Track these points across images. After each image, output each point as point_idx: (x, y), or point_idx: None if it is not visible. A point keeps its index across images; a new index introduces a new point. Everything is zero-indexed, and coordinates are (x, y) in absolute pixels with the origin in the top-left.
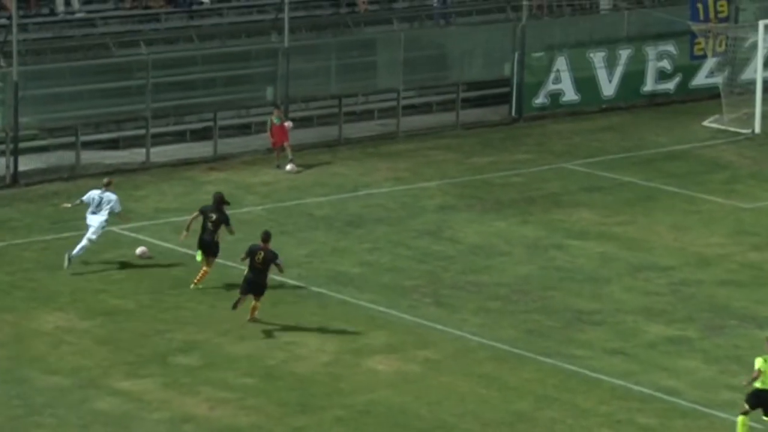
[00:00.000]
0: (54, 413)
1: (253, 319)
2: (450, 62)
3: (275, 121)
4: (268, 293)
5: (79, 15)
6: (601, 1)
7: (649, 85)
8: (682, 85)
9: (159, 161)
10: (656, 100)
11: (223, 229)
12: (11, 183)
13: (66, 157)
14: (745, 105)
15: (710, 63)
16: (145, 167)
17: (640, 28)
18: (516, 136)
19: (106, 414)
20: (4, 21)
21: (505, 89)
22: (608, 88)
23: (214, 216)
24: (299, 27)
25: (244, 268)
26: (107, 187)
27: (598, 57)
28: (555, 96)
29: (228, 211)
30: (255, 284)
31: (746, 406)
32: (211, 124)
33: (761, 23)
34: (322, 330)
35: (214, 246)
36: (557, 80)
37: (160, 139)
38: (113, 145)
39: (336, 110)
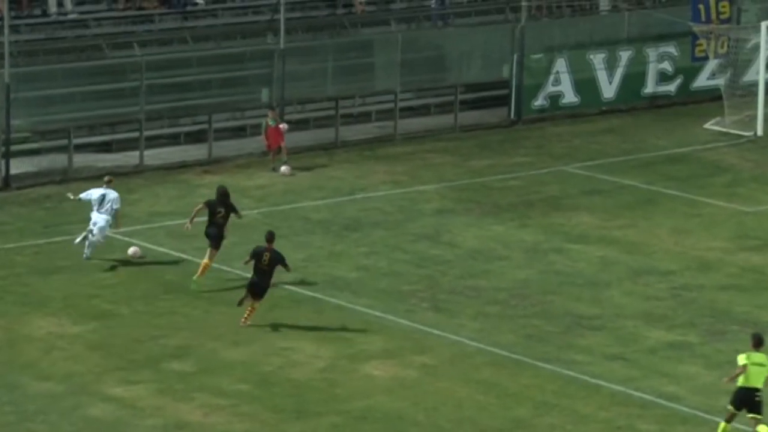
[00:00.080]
0: (46, 420)
1: (246, 322)
2: (448, 64)
3: (270, 123)
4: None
5: (71, 16)
6: (601, 2)
7: (649, 87)
8: (684, 87)
9: (153, 164)
10: (657, 102)
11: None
12: (3, 186)
13: (58, 160)
14: (747, 107)
15: (712, 64)
16: (138, 170)
17: (641, 29)
18: (515, 138)
19: (98, 420)
20: None
21: (504, 91)
22: (608, 90)
23: (222, 210)
24: (295, 28)
25: (239, 271)
26: (108, 184)
27: (598, 58)
28: (554, 98)
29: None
30: (259, 287)
31: (731, 409)
32: (205, 126)
33: (764, 24)
34: (318, 335)
35: (220, 239)
36: (557, 82)
37: (153, 142)
38: (106, 147)
39: (332, 112)
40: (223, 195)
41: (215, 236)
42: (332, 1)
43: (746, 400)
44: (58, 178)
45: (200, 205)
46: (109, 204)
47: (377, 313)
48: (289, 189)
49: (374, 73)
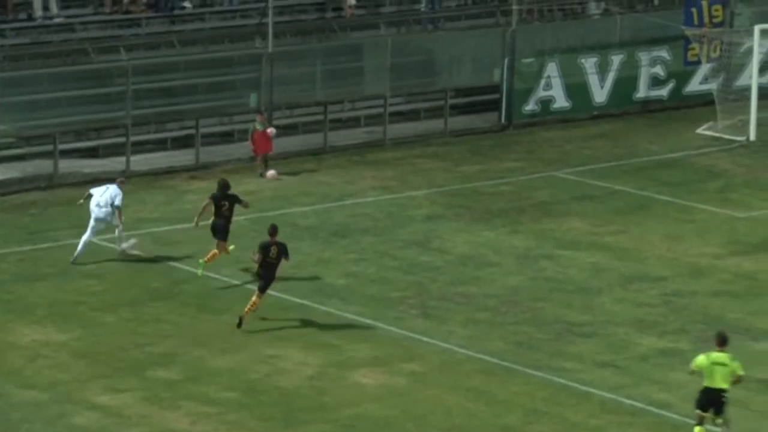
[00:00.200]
0: (30, 429)
1: (243, 318)
2: (438, 68)
3: (258, 127)
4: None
5: (57, 20)
6: (590, 5)
7: (641, 92)
8: (676, 92)
9: (139, 170)
10: (649, 107)
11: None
12: None
13: (44, 166)
14: (740, 112)
15: (704, 69)
16: (125, 176)
17: (633, 33)
18: (505, 143)
19: (84, 429)
20: None
21: (495, 96)
22: (600, 94)
23: (226, 203)
24: (283, 32)
25: (226, 278)
26: (121, 184)
27: (589, 63)
28: (545, 103)
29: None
30: (268, 279)
31: (698, 412)
32: (192, 131)
33: (757, 28)
34: (306, 343)
35: (226, 232)
36: (548, 86)
37: (140, 147)
38: (92, 153)
39: (321, 117)
40: (225, 187)
41: (221, 229)
42: (321, 5)
43: (712, 400)
44: (43, 184)
45: (206, 201)
46: (108, 195)
47: (366, 321)
48: (277, 195)
49: (363, 78)
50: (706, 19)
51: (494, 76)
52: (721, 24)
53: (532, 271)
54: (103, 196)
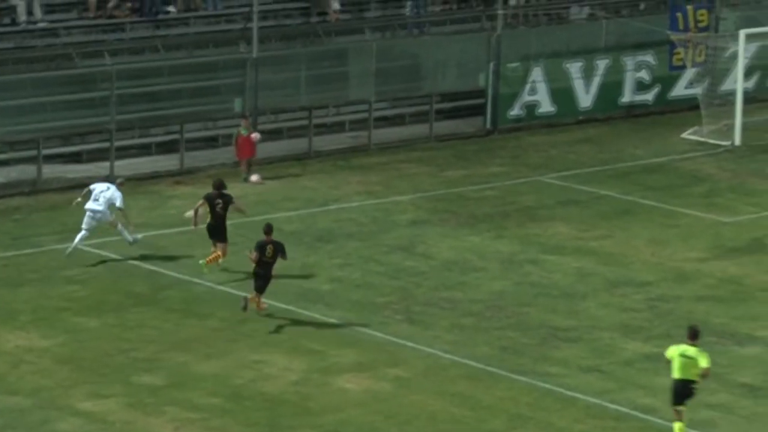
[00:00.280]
0: None
1: (262, 306)
2: (423, 73)
3: (242, 132)
4: (234, 310)
5: (41, 25)
6: (572, 10)
7: (627, 96)
8: (661, 96)
9: (124, 175)
10: (634, 112)
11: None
12: None
13: (27, 171)
14: (725, 116)
15: (689, 73)
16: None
17: (618, 37)
18: (491, 148)
19: None
20: None
21: (480, 100)
22: (585, 99)
23: (220, 202)
24: (268, 37)
25: (210, 284)
26: (119, 186)
27: (574, 67)
28: (531, 107)
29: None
30: (265, 278)
31: (675, 408)
32: (177, 136)
33: (742, 33)
34: (290, 348)
35: (223, 231)
36: (533, 91)
37: (124, 152)
38: (76, 158)
39: (306, 122)
40: (220, 186)
41: (217, 230)
42: (306, 10)
43: (685, 392)
44: (27, 190)
45: (200, 201)
46: (108, 194)
47: (351, 326)
48: (261, 200)
49: (348, 83)
50: (691, 24)
51: (479, 80)
52: (706, 29)
53: (517, 276)
54: (103, 194)
